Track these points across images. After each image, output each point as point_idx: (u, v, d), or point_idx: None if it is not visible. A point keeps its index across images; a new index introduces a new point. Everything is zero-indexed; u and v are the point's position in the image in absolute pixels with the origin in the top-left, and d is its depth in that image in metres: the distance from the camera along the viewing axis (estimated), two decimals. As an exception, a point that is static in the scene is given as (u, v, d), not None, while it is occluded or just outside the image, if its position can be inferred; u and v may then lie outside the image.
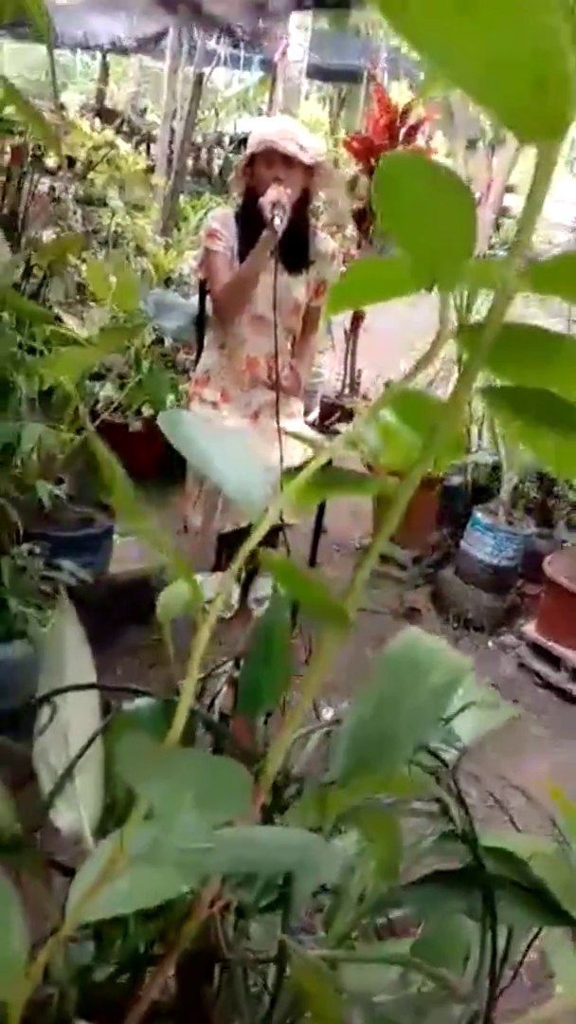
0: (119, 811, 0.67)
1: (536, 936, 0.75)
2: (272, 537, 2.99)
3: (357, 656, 2.58)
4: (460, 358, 3.45)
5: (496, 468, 3.41)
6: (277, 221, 2.40)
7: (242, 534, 2.33)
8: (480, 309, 2.97)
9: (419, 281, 0.40)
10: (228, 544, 2.54)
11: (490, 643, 3.12)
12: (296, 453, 2.46)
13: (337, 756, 0.57)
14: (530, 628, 3.05)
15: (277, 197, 2.42)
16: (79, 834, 0.61)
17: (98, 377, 2.71)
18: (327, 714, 0.90)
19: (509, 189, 10.45)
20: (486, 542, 3.18)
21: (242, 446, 0.46)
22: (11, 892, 0.46)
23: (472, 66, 0.36)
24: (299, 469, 0.50)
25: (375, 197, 0.37)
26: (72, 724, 0.67)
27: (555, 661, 2.93)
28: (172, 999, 0.64)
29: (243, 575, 3.10)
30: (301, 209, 2.60)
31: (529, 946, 0.75)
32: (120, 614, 2.62)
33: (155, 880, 0.41)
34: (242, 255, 2.57)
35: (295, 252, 2.61)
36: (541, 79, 0.35)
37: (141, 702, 0.66)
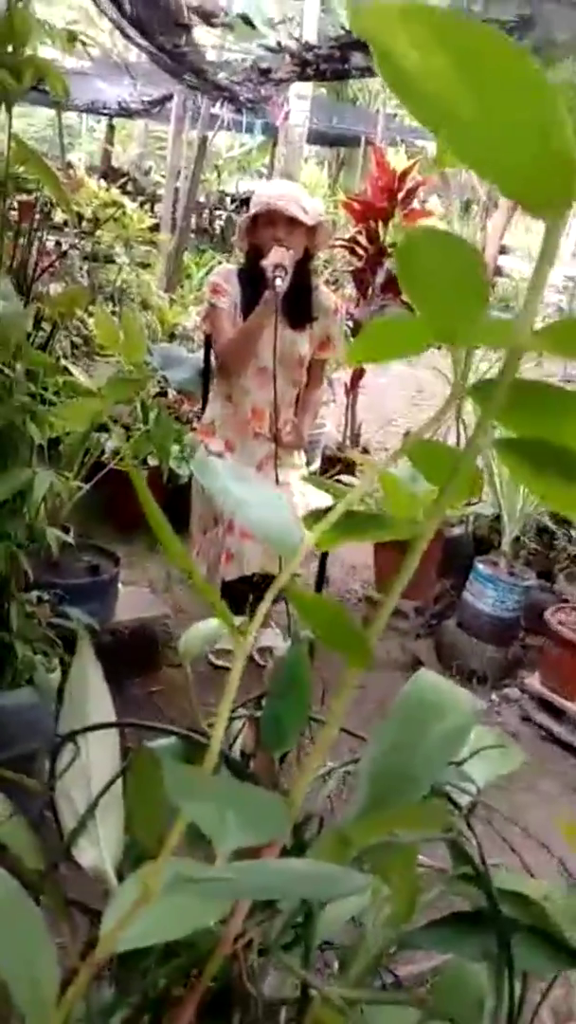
0: (138, 851, 0.68)
1: (555, 979, 0.75)
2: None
3: (359, 711, 2.58)
4: (459, 415, 3.52)
5: (497, 520, 3.44)
6: (279, 282, 2.48)
7: (246, 582, 2.34)
8: (478, 369, 3.04)
9: (436, 338, 0.43)
10: (232, 592, 2.55)
11: (493, 695, 3.11)
12: (299, 502, 2.49)
13: (355, 796, 0.58)
14: (533, 680, 3.05)
15: (279, 259, 2.50)
16: (101, 872, 0.63)
17: (103, 428, 2.76)
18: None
19: (503, 250, 10.72)
20: (488, 593, 3.19)
21: (271, 490, 0.49)
22: (43, 923, 0.48)
23: (482, 146, 0.40)
24: (318, 514, 0.52)
25: (398, 266, 0.40)
26: (94, 764, 0.68)
27: (559, 713, 2.92)
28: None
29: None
30: (303, 267, 2.69)
31: (548, 989, 0.76)
32: (126, 662, 2.63)
33: (186, 908, 0.43)
34: (245, 311, 2.65)
35: (298, 308, 2.69)
36: (548, 163, 0.39)
37: (161, 741, 0.68)
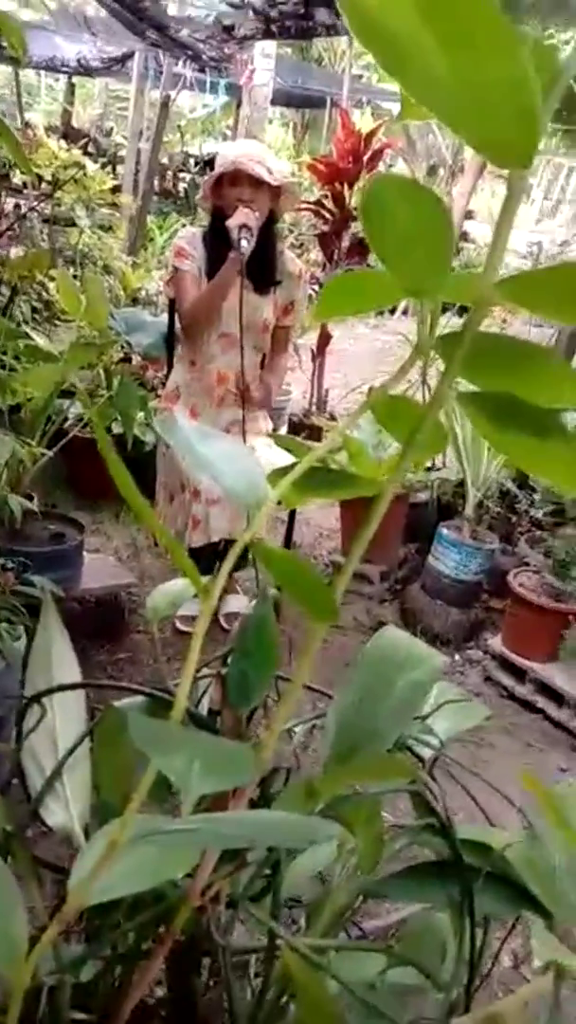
0: (106, 813, 0.69)
1: (514, 925, 0.77)
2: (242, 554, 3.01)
3: (324, 673, 2.60)
4: (424, 379, 3.53)
5: (461, 485, 3.47)
6: (244, 243, 2.45)
7: (212, 548, 2.33)
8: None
9: (401, 292, 0.43)
10: (198, 558, 2.55)
11: (457, 656, 3.16)
12: (265, 466, 2.49)
13: (323, 748, 0.59)
14: (496, 642, 3.10)
15: (244, 220, 2.46)
16: (69, 832, 0.63)
17: (67, 395, 2.73)
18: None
19: (468, 215, 10.68)
20: (451, 557, 3.23)
21: (236, 447, 0.48)
22: (10, 875, 0.48)
23: (453, 101, 0.39)
24: (283, 472, 0.52)
25: (361, 213, 0.40)
26: (60, 726, 0.68)
27: (520, 674, 2.97)
28: (162, 996, 0.66)
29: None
30: (268, 230, 2.65)
31: (508, 935, 0.78)
32: (92, 630, 2.63)
33: (153, 860, 0.43)
34: (210, 274, 2.61)
35: (262, 272, 2.65)
36: (514, 114, 0.39)
37: (128, 702, 0.68)
